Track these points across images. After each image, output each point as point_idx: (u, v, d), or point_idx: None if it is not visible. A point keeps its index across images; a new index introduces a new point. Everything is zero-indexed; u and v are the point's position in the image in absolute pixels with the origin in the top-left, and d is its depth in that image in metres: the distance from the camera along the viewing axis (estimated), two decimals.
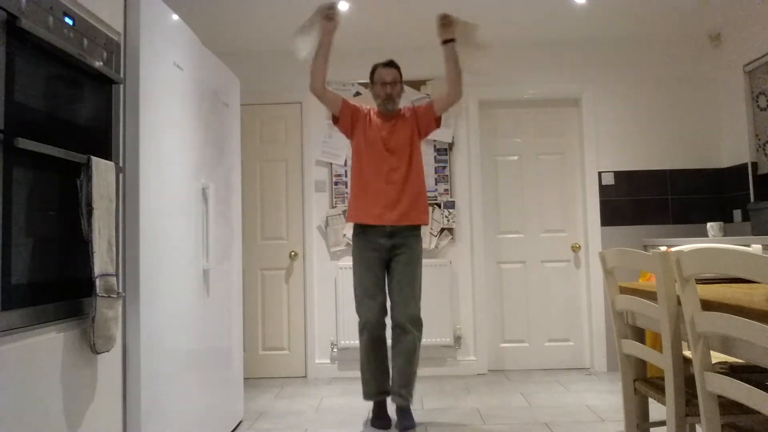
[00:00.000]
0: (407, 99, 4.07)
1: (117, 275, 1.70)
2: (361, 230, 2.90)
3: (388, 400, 2.94)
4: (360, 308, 2.87)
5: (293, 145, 4.18)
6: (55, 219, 1.53)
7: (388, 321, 2.89)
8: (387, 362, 2.92)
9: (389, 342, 2.90)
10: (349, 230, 4.03)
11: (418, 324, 2.85)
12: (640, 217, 4.08)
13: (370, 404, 3.28)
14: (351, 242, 2.99)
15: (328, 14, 2.72)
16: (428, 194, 4.01)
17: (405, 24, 3.79)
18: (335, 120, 2.99)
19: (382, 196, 2.85)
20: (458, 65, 2.93)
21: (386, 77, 2.94)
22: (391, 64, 2.99)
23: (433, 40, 4.06)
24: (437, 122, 3.05)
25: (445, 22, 2.86)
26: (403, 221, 2.85)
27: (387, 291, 2.92)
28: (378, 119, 2.97)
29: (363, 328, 2.85)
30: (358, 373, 3.95)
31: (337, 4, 2.73)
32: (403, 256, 2.87)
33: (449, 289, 3.97)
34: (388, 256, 2.88)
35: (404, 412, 2.84)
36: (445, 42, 2.91)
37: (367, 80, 4.28)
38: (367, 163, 2.90)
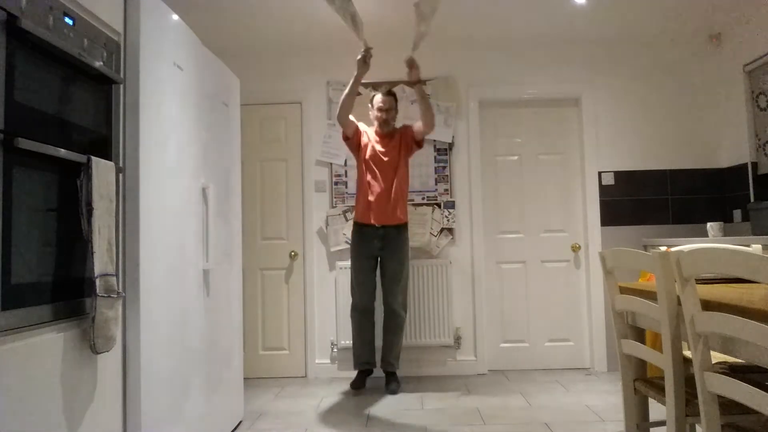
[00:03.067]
0: (407, 99, 4.07)
1: (117, 275, 1.70)
2: (358, 228, 3.55)
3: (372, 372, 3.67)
4: (354, 291, 3.56)
5: (293, 145, 4.18)
6: (55, 219, 1.53)
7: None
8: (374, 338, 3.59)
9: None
10: (348, 230, 4.03)
11: (404, 308, 3.59)
12: (640, 217, 4.08)
13: (368, 402, 3.27)
14: (350, 239, 3.65)
15: (366, 57, 3.30)
16: (428, 194, 4.09)
17: (405, 24, 3.79)
18: (346, 138, 3.60)
19: (381, 203, 3.49)
20: (427, 103, 3.48)
21: (383, 105, 3.56)
22: (388, 93, 3.61)
23: (434, 40, 4.07)
24: (418, 144, 3.64)
25: (410, 64, 3.37)
26: (390, 221, 3.50)
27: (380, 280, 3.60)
28: (377, 137, 3.61)
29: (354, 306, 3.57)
30: None
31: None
32: (393, 253, 3.51)
33: (449, 289, 3.96)
34: (377, 253, 3.53)
35: (391, 375, 3.57)
36: (413, 84, 3.47)
37: (367, 80, 4.32)
38: (370, 175, 3.53)
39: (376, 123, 3.60)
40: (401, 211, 3.56)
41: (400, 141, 3.60)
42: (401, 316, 3.55)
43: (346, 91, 3.40)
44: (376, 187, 3.51)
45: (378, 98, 3.58)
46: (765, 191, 3.65)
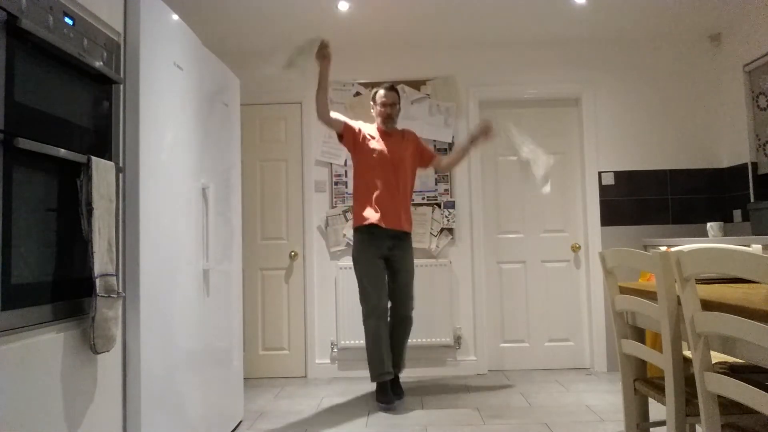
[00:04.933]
0: (407, 99, 4.07)
1: (117, 275, 1.70)
2: (366, 231, 3.30)
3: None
4: (367, 296, 3.27)
5: (293, 145, 4.18)
6: (55, 219, 1.53)
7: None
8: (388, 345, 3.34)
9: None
10: (348, 230, 4.03)
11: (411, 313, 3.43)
12: (640, 217, 4.08)
13: (368, 404, 3.27)
14: (351, 242, 3.41)
15: (324, 53, 3.08)
16: (428, 194, 4.08)
17: (405, 24, 3.79)
18: (340, 138, 3.42)
19: (386, 203, 3.29)
20: (460, 159, 3.51)
21: (386, 99, 3.41)
22: (391, 88, 3.45)
23: (433, 40, 4.08)
24: (426, 166, 3.61)
25: (487, 129, 3.35)
26: (403, 227, 3.33)
27: (389, 287, 3.40)
28: (379, 135, 3.41)
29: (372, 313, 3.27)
30: (358, 373, 3.97)
31: (328, 42, 3.09)
32: (403, 259, 3.36)
33: (449, 289, 3.96)
34: (387, 254, 3.32)
35: (396, 380, 3.42)
36: (473, 142, 3.41)
37: (367, 80, 4.31)
38: (372, 174, 3.32)
39: (379, 119, 3.41)
40: (408, 219, 3.39)
41: (416, 149, 3.47)
42: (411, 321, 3.40)
43: (317, 87, 3.20)
44: (383, 188, 3.30)
45: (380, 93, 3.41)
46: (765, 191, 3.65)
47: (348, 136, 3.38)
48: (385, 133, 3.42)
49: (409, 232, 3.40)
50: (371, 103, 3.48)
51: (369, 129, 3.43)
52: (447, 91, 4.13)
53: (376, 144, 3.35)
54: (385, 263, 3.33)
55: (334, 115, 3.35)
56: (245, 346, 4.02)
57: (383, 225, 3.25)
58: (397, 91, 3.46)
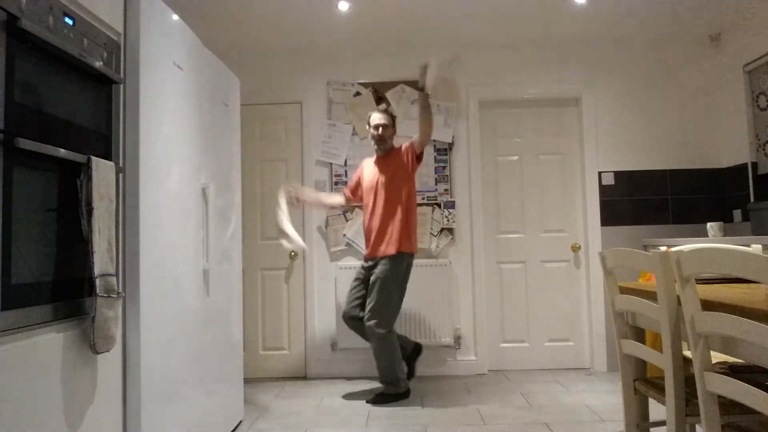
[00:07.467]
0: (408, 100, 4.07)
1: (117, 275, 1.70)
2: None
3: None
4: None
5: (293, 145, 4.18)
6: (55, 219, 1.53)
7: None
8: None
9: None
10: (348, 230, 4.04)
11: (379, 326, 3.29)
12: (640, 217, 4.08)
13: (368, 404, 3.27)
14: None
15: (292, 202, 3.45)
16: (428, 194, 4.05)
17: (405, 24, 3.79)
18: (418, 160, 3.43)
19: (368, 234, 3.42)
20: (426, 114, 3.27)
21: (377, 121, 3.40)
22: (384, 110, 3.45)
23: (433, 40, 4.08)
24: (419, 158, 3.42)
25: (422, 70, 3.24)
26: (376, 255, 3.35)
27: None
28: (375, 162, 3.48)
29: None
30: (358, 373, 3.96)
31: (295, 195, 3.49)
32: (373, 277, 3.35)
33: (449, 289, 3.96)
34: (368, 276, 3.40)
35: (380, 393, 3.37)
36: (420, 89, 3.29)
37: (368, 80, 4.31)
38: (365, 204, 3.47)
39: (372, 142, 3.45)
40: (387, 243, 3.31)
41: (400, 159, 3.37)
42: (375, 335, 3.24)
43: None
44: (368, 219, 3.42)
45: (374, 116, 3.42)
46: (765, 191, 3.65)
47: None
48: (379, 159, 3.47)
49: (386, 257, 3.29)
50: (367, 126, 3.50)
51: (369, 162, 3.56)
52: (447, 91, 4.13)
53: (367, 173, 3.48)
54: (366, 281, 3.42)
55: None
56: (245, 346, 4.02)
57: (365, 256, 3.45)
58: (389, 113, 3.46)
